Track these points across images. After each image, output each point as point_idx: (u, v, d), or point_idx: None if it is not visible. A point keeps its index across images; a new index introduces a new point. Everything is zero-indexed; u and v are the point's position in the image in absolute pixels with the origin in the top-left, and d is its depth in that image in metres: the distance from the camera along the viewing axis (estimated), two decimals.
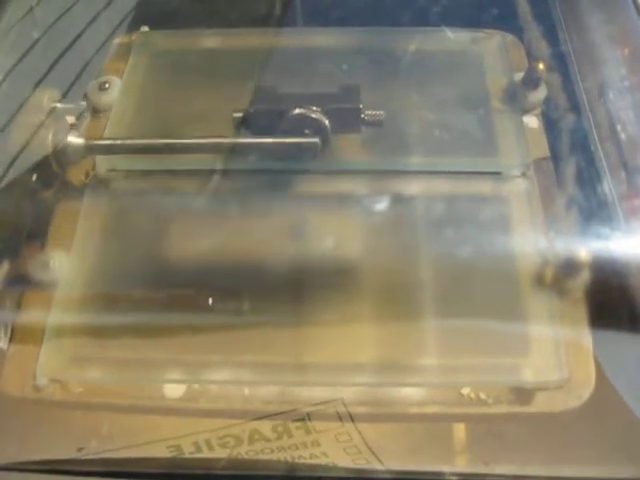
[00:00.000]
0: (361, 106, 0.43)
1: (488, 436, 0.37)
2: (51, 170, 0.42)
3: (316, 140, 0.42)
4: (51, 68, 0.51)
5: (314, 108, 0.42)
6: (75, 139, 0.43)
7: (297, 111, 0.42)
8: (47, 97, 0.45)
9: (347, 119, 0.43)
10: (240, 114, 0.43)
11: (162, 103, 0.49)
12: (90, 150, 0.43)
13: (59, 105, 0.45)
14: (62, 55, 0.52)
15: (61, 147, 0.42)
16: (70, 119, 0.45)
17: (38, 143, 0.43)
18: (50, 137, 0.42)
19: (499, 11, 0.51)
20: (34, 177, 0.43)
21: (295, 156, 0.42)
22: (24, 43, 0.52)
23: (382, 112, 0.43)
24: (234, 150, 0.43)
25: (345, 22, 0.52)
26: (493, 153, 0.45)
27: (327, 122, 0.42)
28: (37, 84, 0.49)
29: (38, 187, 0.43)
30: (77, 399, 0.38)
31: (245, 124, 0.43)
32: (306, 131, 0.42)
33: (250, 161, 0.44)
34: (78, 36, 0.54)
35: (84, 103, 0.48)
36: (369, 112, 0.43)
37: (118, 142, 0.44)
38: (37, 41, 0.52)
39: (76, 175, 0.45)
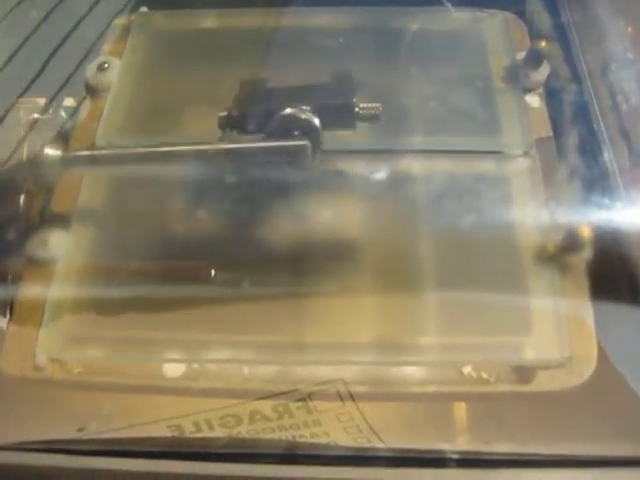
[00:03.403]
0: (355, 100, 0.40)
1: (489, 415, 0.37)
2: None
3: (305, 142, 0.38)
4: (52, 53, 0.51)
5: (303, 107, 0.39)
6: (53, 151, 0.39)
7: (286, 111, 0.39)
8: (26, 109, 0.44)
9: (340, 115, 0.40)
10: (225, 113, 0.40)
11: (161, 84, 0.48)
12: (68, 163, 0.40)
13: (38, 116, 0.45)
14: (63, 40, 0.52)
15: (38, 160, 0.39)
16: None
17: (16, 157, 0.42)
18: (25, 150, 0.41)
19: None
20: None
21: (283, 163, 0.39)
22: (23, 27, 0.52)
23: (378, 105, 0.41)
24: (219, 156, 0.39)
25: (346, 1, 0.52)
26: (495, 132, 0.45)
27: (317, 122, 0.39)
28: (39, 69, 0.49)
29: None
30: (77, 378, 0.38)
31: (230, 124, 0.40)
32: (295, 132, 0.39)
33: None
34: (79, 20, 0.54)
35: (63, 114, 0.47)
36: (364, 105, 0.40)
37: (97, 153, 0.41)
38: (38, 25, 0.52)
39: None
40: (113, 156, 0.41)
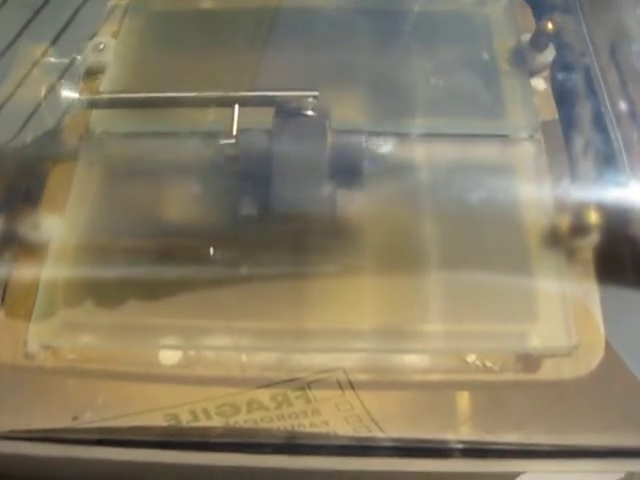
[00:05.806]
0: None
1: (494, 404, 0.37)
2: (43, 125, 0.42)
3: (316, 93, 0.39)
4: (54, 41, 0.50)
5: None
6: (69, 93, 0.42)
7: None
8: (40, 51, 0.44)
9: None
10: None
11: (157, 65, 0.48)
12: (84, 104, 0.42)
13: (52, 59, 0.45)
14: (65, 24, 0.51)
15: (54, 101, 0.41)
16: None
17: (30, 97, 0.42)
18: (43, 91, 0.42)
19: None
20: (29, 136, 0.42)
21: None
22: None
23: None
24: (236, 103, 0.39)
25: None
26: (500, 115, 0.45)
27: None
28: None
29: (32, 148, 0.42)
30: (70, 366, 0.38)
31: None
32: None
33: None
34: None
35: (79, 57, 0.47)
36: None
37: (112, 96, 0.42)
38: (40, 8, 0.51)
39: (70, 137, 0.44)
40: (124, 100, 0.42)
